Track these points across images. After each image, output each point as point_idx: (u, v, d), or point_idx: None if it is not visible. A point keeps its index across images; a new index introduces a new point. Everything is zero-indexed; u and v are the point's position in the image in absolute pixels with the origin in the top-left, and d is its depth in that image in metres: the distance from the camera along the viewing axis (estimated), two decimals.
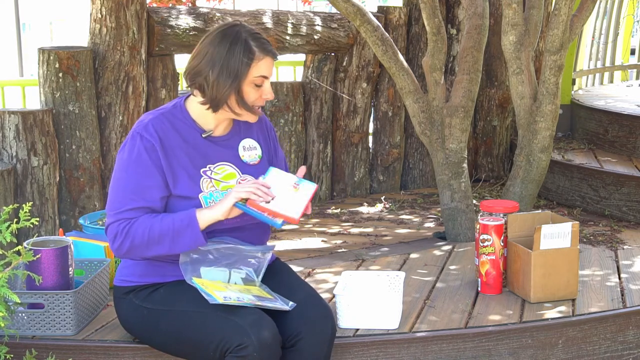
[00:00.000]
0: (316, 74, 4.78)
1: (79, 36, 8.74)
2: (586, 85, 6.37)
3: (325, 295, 2.91)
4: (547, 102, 3.64)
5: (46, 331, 2.59)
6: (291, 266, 2.70)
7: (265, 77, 2.40)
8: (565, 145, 5.08)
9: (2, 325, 2.24)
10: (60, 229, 3.61)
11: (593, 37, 6.41)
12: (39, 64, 3.96)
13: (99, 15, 4.03)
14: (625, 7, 6.84)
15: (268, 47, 2.40)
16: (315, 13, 4.83)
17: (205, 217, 2.32)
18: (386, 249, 3.87)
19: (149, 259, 2.41)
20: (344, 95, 4.80)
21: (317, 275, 3.28)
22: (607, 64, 6.66)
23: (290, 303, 2.37)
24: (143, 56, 4.13)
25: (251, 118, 2.45)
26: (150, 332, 2.42)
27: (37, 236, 2.97)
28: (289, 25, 4.57)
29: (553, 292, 2.87)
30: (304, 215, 2.42)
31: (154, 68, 4.25)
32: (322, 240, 4.06)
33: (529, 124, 3.72)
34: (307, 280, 3.12)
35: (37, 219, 2.69)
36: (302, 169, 2.49)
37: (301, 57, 4.98)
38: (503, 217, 2.94)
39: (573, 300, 2.89)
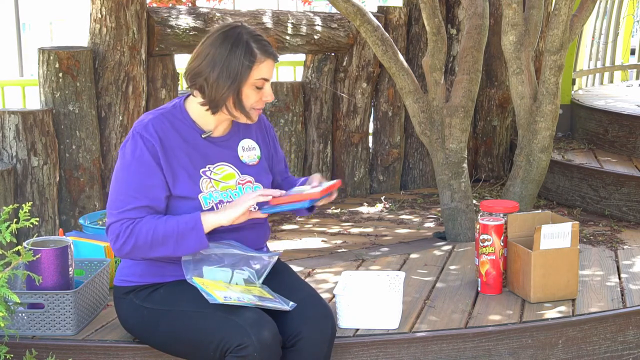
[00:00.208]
0: (316, 74, 4.78)
1: (79, 36, 8.74)
2: (586, 85, 6.37)
3: (325, 295, 2.91)
4: (547, 102, 3.64)
5: (46, 331, 2.59)
6: (291, 266, 2.70)
7: (266, 80, 2.40)
8: (565, 145, 5.08)
9: (2, 325, 2.24)
10: (60, 229, 3.61)
11: (593, 37, 6.41)
12: (39, 64, 3.96)
13: (99, 15, 4.03)
14: (625, 7, 6.85)
15: (269, 49, 2.39)
16: (315, 13, 4.83)
17: (210, 221, 2.32)
18: (386, 249, 3.87)
19: (149, 259, 2.41)
20: (343, 95, 4.80)
21: (317, 275, 3.28)
22: (607, 64, 6.66)
23: (291, 303, 2.37)
24: (143, 56, 4.13)
25: (248, 119, 2.44)
26: (150, 332, 2.42)
27: (37, 236, 2.96)
28: (289, 25, 4.57)
29: (553, 292, 2.87)
30: (329, 196, 2.43)
31: (154, 68, 4.25)
32: (322, 240, 4.06)
33: (529, 124, 3.72)
34: (307, 280, 3.12)
35: (37, 219, 2.69)
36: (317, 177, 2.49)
37: (301, 57, 4.98)
38: (503, 217, 2.94)
39: (573, 300, 2.89)
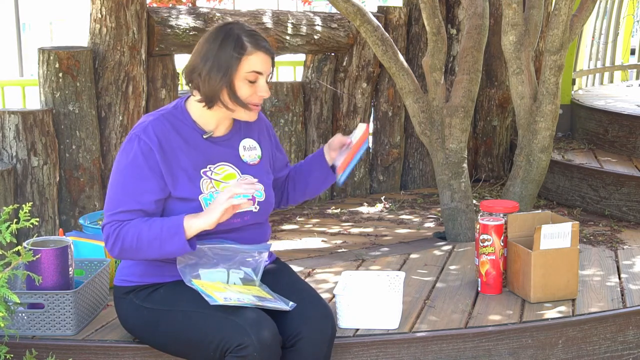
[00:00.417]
0: (316, 74, 4.78)
1: (79, 36, 8.75)
2: (586, 85, 6.37)
3: (325, 295, 2.91)
4: (547, 102, 3.64)
5: (46, 331, 2.59)
6: (291, 266, 2.70)
7: (259, 73, 2.38)
8: (565, 145, 5.08)
9: (2, 325, 2.24)
10: (60, 229, 3.61)
11: (593, 37, 6.41)
12: (39, 64, 3.96)
13: (99, 15, 4.03)
14: (625, 7, 6.85)
15: (261, 42, 2.38)
16: (315, 13, 4.83)
17: (194, 226, 2.30)
18: (386, 249, 3.87)
19: (145, 260, 2.42)
20: (344, 93, 4.80)
21: (317, 275, 3.28)
22: (607, 64, 6.66)
23: (291, 303, 2.37)
24: (143, 56, 4.13)
25: (246, 116, 2.43)
26: (150, 332, 2.42)
27: (37, 236, 2.97)
28: (289, 25, 4.57)
29: (553, 292, 2.87)
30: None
31: (154, 68, 4.25)
32: (322, 240, 4.06)
33: (529, 124, 3.72)
34: (307, 280, 3.12)
35: (37, 219, 2.69)
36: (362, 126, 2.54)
37: (301, 57, 4.98)
38: (503, 217, 2.94)
39: (573, 300, 2.89)
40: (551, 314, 2.77)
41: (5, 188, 3.72)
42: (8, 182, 3.75)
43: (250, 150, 2.52)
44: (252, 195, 2.47)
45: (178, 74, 4.36)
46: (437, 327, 2.68)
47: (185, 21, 4.26)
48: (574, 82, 5.79)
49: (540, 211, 3.05)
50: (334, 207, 4.68)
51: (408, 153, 5.13)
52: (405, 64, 3.80)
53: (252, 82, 2.38)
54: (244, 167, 2.49)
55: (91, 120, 4.01)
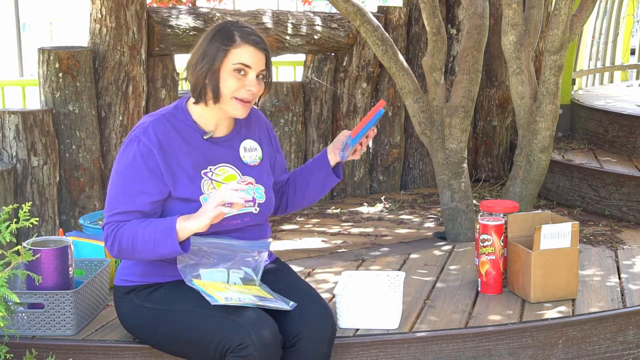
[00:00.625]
0: (316, 74, 4.78)
1: (79, 36, 8.74)
2: (586, 85, 6.37)
3: (325, 295, 2.91)
4: (547, 102, 3.64)
5: (46, 331, 2.59)
6: (291, 266, 2.70)
7: (247, 67, 2.36)
8: (565, 145, 5.09)
9: (2, 325, 2.24)
10: (60, 229, 3.61)
11: (593, 37, 6.41)
12: (39, 64, 3.96)
13: (99, 15, 4.03)
14: (625, 7, 6.85)
15: (252, 36, 2.37)
16: (315, 13, 4.83)
17: (186, 229, 2.29)
18: (386, 249, 3.87)
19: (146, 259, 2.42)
20: (344, 93, 4.80)
21: (317, 275, 3.28)
22: (607, 64, 6.66)
23: (291, 303, 2.37)
24: (143, 56, 4.13)
25: (234, 111, 2.40)
26: (150, 331, 2.42)
27: (37, 236, 2.97)
28: (289, 25, 4.57)
29: (553, 292, 2.87)
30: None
31: (154, 68, 4.25)
32: (322, 240, 4.06)
33: (529, 124, 3.72)
34: (307, 280, 3.12)
35: (37, 218, 2.69)
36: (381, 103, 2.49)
37: (301, 57, 4.98)
38: (503, 217, 2.94)
39: (573, 300, 2.89)
40: (551, 314, 2.77)
41: (5, 188, 3.72)
42: (8, 182, 3.75)
43: (251, 151, 2.52)
44: (253, 197, 2.47)
45: (178, 74, 4.36)
46: (437, 327, 2.68)
47: (185, 21, 4.26)
48: (574, 82, 5.79)
49: (540, 211, 3.05)
50: (334, 207, 4.68)
51: (408, 153, 5.13)
52: (405, 64, 3.80)
53: (240, 75, 2.37)
54: (245, 168, 2.49)
55: (91, 120, 4.01)
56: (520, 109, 3.75)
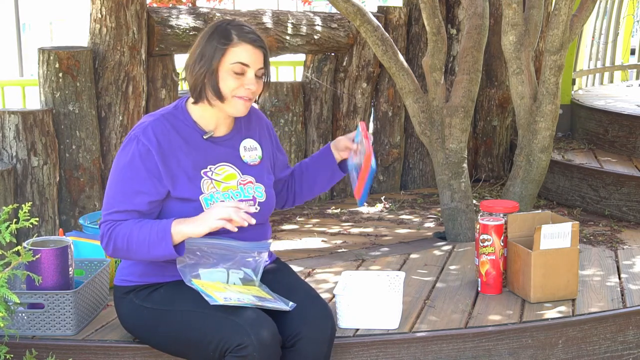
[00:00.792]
0: (316, 74, 4.78)
1: (79, 36, 8.74)
2: (586, 85, 6.37)
3: (325, 295, 2.91)
4: (547, 102, 3.64)
5: (46, 331, 2.59)
6: (291, 266, 2.70)
7: (246, 65, 2.36)
8: (565, 145, 5.09)
9: (2, 325, 2.24)
10: (60, 229, 3.61)
11: (593, 37, 6.41)
12: (39, 64, 3.96)
13: (99, 15, 4.03)
14: (625, 7, 6.85)
15: (250, 35, 2.37)
16: (315, 13, 4.83)
17: (181, 232, 2.30)
18: (386, 249, 3.87)
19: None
20: (344, 93, 4.80)
21: (317, 275, 3.28)
22: (607, 64, 6.66)
23: (291, 303, 2.37)
24: (143, 56, 4.13)
25: (233, 110, 2.40)
26: (150, 331, 2.42)
27: (37, 236, 2.97)
28: (289, 25, 4.57)
29: (553, 292, 2.86)
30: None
31: (154, 68, 4.25)
32: (322, 240, 4.06)
33: (529, 124, 3.72)
34: (307, 280, 3.12)
35: (37, 218, 2.69)
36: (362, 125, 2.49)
37: (301, 57, 4.98)
38: (503, 217, 2.94)
39: (573, 300, 2.89)
40: (551, 314, 2.77)
41: (5, 188, 3.72)
42: (8, 182, 3.75)
43: (250, 150, 2.52)
44: (253, 196, 2.47)
45: (178, 74, 4.36)
46: (437, 327, 2.68)
47: (185, 21, 4.26)
48: (574, 82, 5.79)
49: (540, 211, 3.04)
50: (334, 207, 4.68)
51: (408, 153, 5.13)
52: (405, 64, 3.80)
53: (239, 74, 2.36)
54: (245, 168, 2.49)
55: (91, 120, 4.01)
56: (520, 109, 3.75)
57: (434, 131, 3.80)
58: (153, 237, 2.29)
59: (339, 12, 4.14)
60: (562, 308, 2.82)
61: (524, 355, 2.69)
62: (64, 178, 4.00)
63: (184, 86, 4.95)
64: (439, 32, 3.71)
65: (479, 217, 2.97)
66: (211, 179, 2.42)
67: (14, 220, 2.31)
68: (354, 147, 2.54)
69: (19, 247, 2.34)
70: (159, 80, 4.27)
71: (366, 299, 2.64)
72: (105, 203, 2.39)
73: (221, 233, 2.41)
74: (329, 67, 4.80)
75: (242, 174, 2.47)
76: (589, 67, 6.36)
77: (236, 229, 2.29)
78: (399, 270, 3.24)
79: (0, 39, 15.67)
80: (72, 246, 2.65)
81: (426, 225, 4.29)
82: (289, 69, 5.85)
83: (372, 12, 4.32)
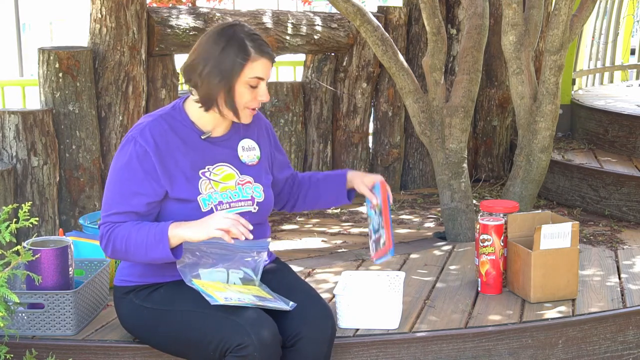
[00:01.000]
0: (316, 74, 4.78)
1: (79, 36, 8.74)
2: (586, 85, 6.37)
3: (325, 295, 2.91)
4: (547, 102, 3.64)
5: (46, 331, 2.59)
6: (291, 266, 2.70)
7: (261, 79, 2.39)
8: (565, 145, 5.08)
9: (2, 325, 2.24)
10: (60, 229, 3.61)
11: (593, 37, 6.41)
12: (39, 64, 3.96)
13: (99, 15, 4.03)
14: (625, 7, 6.85)
15: (265, 48, 2.38)
16: (315, 13, 4.83)
17: (178, 236, 2.30)
18: None
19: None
20: (344, 93, 4.80)
21: (317, 275, 3.28)
22: (607, 64, 6.66)
23: (291, 303, 2.37)
24: (143, 56, 4.13)
25: (242, 119, 2.43)
26: (150, 331, 2.42)
27: (37, 236, 2.96)
28: (289, 25, 4.57)
29: (553, 292, 2.86)
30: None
31: (154, 68, 4.25)
32: (322, 240, 4.06)
33: (529, 124, 3.72)
34: (307, 280, 3.12)
35: (37, 218, 2.69)
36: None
37: (301, 57, 4.98)
38: (503, 217, 2.94)
39: (573, 300, 2.89)
40: (551, 314, 2.77)
41: (5, 188, 3.72)
42: (8, 182, 3.75)
43: (248, 150, 2.52)
44: (251, 196, 2.47)
45: (178, 73, 4.37)
46: (437, 327, 2.68)
47: (185, 21, 4.26)
48: (574, 82, 5.79)
49: (540, 211, 3.05)
50: (334, 207, 4.68)
51: (408, 153, 5.13)
52: (405, 64, 3.80)
53: (254, 87, 2.38)
54: (243, 168, 2.49)
55: (91, 120, 4.01)
56: (520, 109, 3.75)
57: (434, 131, 3.80)
58: (150, 239, 2.29)
59: (339, 12, 4.14)
60: (562, 308, 2.82)
61: (524, 355, 2.69)
62: (64, 178, 4.00)
63: (183, 86, 4.95)
64: (439, 32, 3.71)
65: (479, 217, 2.97)
66: (209, 179, 2.42)
67: (14, 220, 2.31)
68: (375, 201, 2.59)
69: (18, 247, 2.34)
70: (159, 80, 4.27)
71: (366, 299, 2.64)
72: (103, 204, 2.39)
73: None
74: (329, 67, 4.80)
75: (241, 174, 2.47)
76: (589, 67, 6.36)
77: (232, 241, 2.30)
78: (399, 270, 3.24)
79: (0, 39, 15.67)
80: (72, 246, 2.65)
81: (426, 225, 4.29)
82: (289, 69, 5.85)
83: (372, 12, 4.32)
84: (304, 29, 4.62)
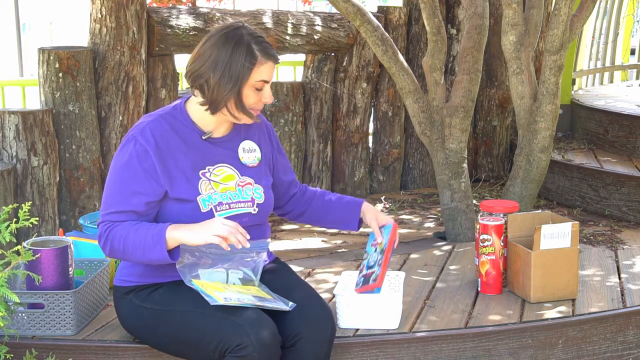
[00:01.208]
0: (316, 74, 4.78)
1: (79, 36, 8.74)
2: (586, 85, 6.37)
3: (325, 295, 2.91)
4: (547, 102, 3.64)
5: (46, 331, 2.59)
6: (291, 266, 2.70)
7: (266, 82, 2.40)
8: (565, 145, 5.08)
9: (2, 325, 2.24)
10: (60, 229, 3.61)
11: (593, 37, 6.41)
12: (39, 64, 3.96)
13: (99, 15, 4.03)
14: (625, 7, 6.84)
15: (270, 51, 2.39)
16: (315, 13, 4.83)
17: (177, 238, 2.30)
18: None
19: None
20: (344, 93, 4.80)
21: (317, 275, 3.28)
22: (607, 64, 6.66)
23: (290, 303, 2.37)
24: (143, 56, 4.13)
25: (248, 121, 2.45)
26: (150, 331, 2.43)
27: (37, 236, 2.96)
28: (289, 25, 4.57)
29: (553, 292, 2.87)
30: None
31: (154, 68, 4.25)
32: (322, 240, 4.06)
33: (529, 124, 3.72)
34: (307, 280, 3.12)
35: (37, 218, 2.69)
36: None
37: (301, 57, 4.98)
38: (503, 217, 2.94)
39: (573, 300, 2.89)
40: (551, 314, 2.77)
41: (5, 188, 3.72)
42: (8, 182, 3.75)
43: (249, 152, 2.52)
44: (252, 197, 2.47)
45: (178, 74, 4.36)
46: (437, 327, 2.68)
47: (185, 21, 4.26)
48: (574, 82, 5.79)
49: (540, 211, 3.05)
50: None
51: (408, 153, 5.13)
52: (405, 64, 3.80)
53: (259, 90, 2.39)
54: (243, 169, 2.49)
55: (91, 120, 4.01)
56: (520, 109, 3.75)
57: (434, 131, 3.80)
58: (148, 240, 2.30)
59: (339, 12, 4.14)
60: (562, 308, 2.82)
61: (524, 355, 2.69)
62: (64, 178, 4.00)
63: (184, 86, 4.95)
64: (439, 32, 3.71)
65: (479, 217, 2.97)
66: (209, 179, 2.42)
67: (14, 220, 2.32)
68: (380, 240, 2.61)
69: (18, 247, 2.34)
70: (159, 80, 4.27)
71: (366, 299, 2.64)
72: (103, 203, 2.39)
73: None
74: (329, 67, 4.80)
75: (241, 176, 2.48)
76: (589, 67, 6.36)
77: (229, 249, 2.30)
78: (399, 270, 3.24)
79: (0, 39, 15.67)
80: (72, 246, 2.65)
81: (426, 225, 4.29)
82: (289, 69, 5.85)
83: (372, 12, 4.32)
84: (304, 29, 4.62)
